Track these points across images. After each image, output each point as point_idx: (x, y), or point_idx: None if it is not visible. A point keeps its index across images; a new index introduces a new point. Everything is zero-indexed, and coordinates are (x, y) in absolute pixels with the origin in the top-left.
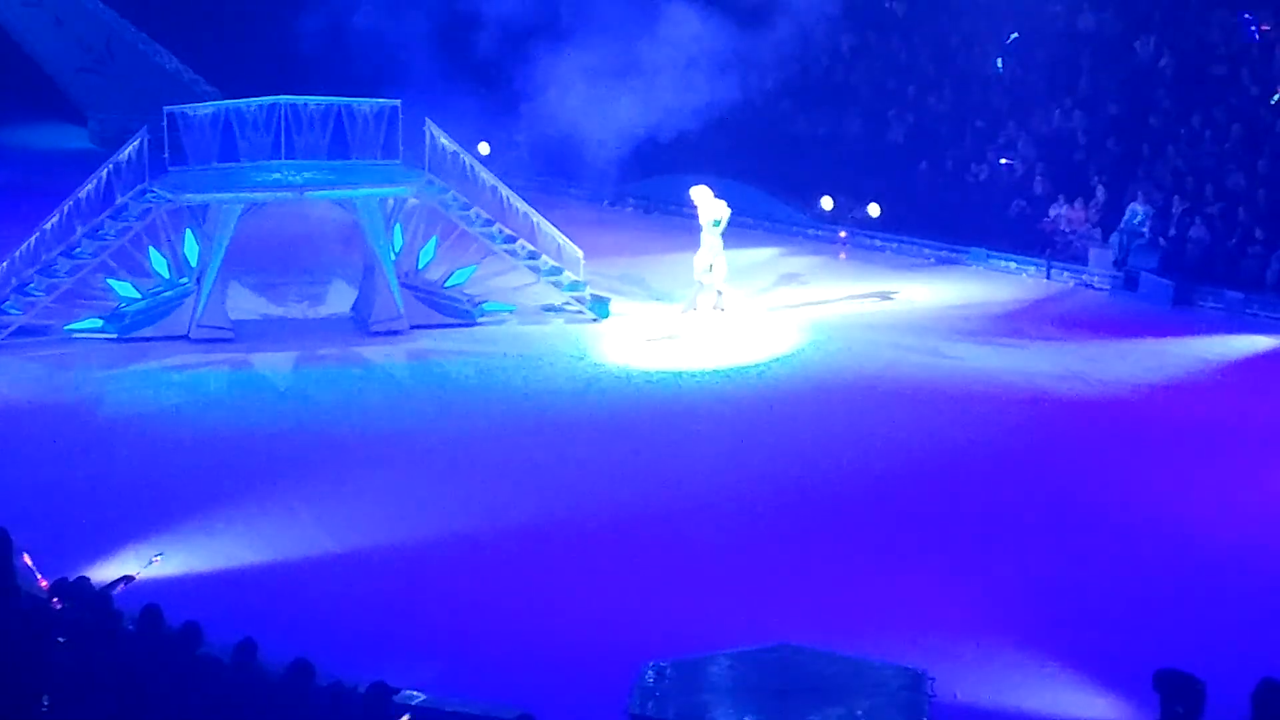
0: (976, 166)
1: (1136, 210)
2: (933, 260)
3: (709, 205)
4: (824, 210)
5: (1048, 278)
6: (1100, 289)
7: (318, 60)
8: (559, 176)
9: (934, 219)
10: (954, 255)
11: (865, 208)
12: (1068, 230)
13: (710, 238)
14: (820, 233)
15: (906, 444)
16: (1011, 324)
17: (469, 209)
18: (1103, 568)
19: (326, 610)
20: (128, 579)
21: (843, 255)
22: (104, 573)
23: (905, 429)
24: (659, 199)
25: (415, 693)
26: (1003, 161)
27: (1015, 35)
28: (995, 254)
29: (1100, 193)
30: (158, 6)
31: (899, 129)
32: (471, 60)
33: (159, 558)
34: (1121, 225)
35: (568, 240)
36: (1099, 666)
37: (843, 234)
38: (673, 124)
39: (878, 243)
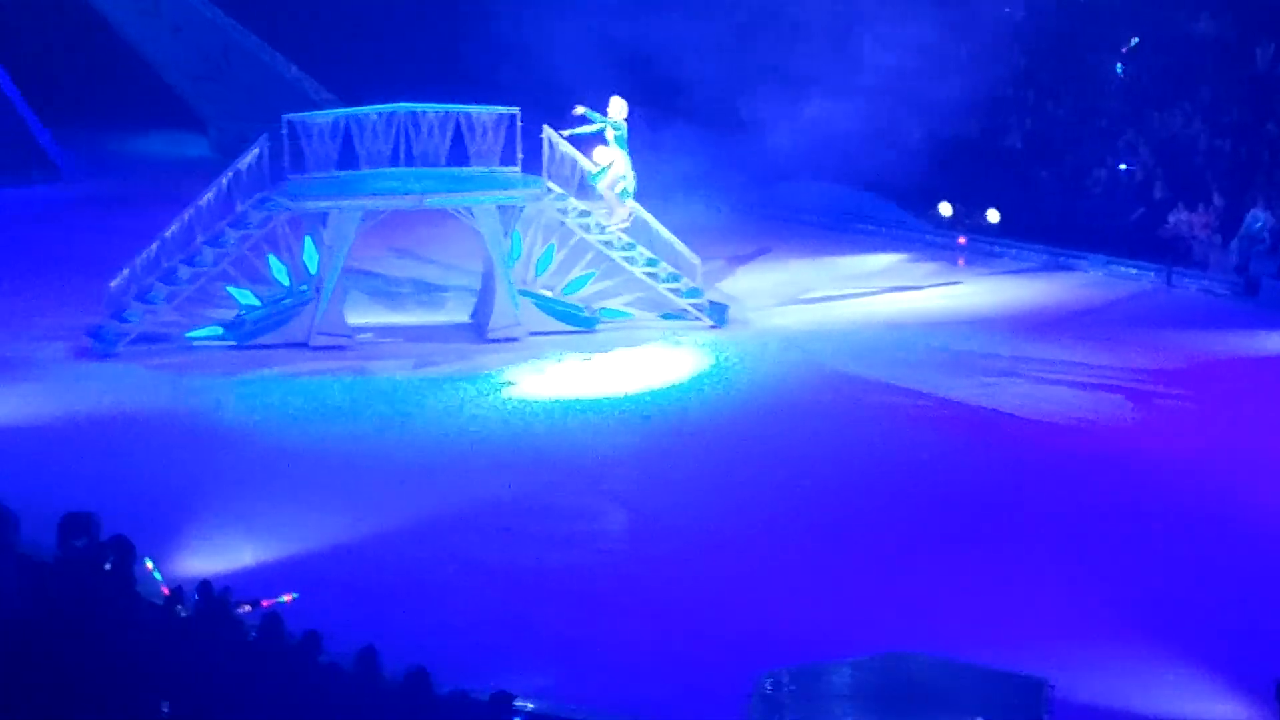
0: (1096, 172)
1: (1258, 216)
2: (1046, 266)
3: (618, 117)
4: (943, 216)
5: (1168, 284)
6: (1221, 295)
7: (435, 67)
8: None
9: (1053, 225)
10: (1072, 261)
11: (984, 214)
12: (1188, 236)
13: (611, 148)
14: (940, 239)
15: (1013, 447)
16: (1127, 327)
17: (587, 216)
18: (1225, 574)
19: (441, 618)
20: (255, 603)
21: (961, 261)
22: (223, 578)
23: (1019, 433)
24: (776, 206)
25: (529, 702)
26: (1122, 167)
27: (1135, 40)
28: (1115, 260)
29: (1219, 199)
30: (276, 14)
31: (1018, 134)
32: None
33: (293, 597)
34: (1242, 231)
35: (685, 247)
36: (1219, 674)
37: (962, 240)
38: (790, 131)
39: (997, 249)
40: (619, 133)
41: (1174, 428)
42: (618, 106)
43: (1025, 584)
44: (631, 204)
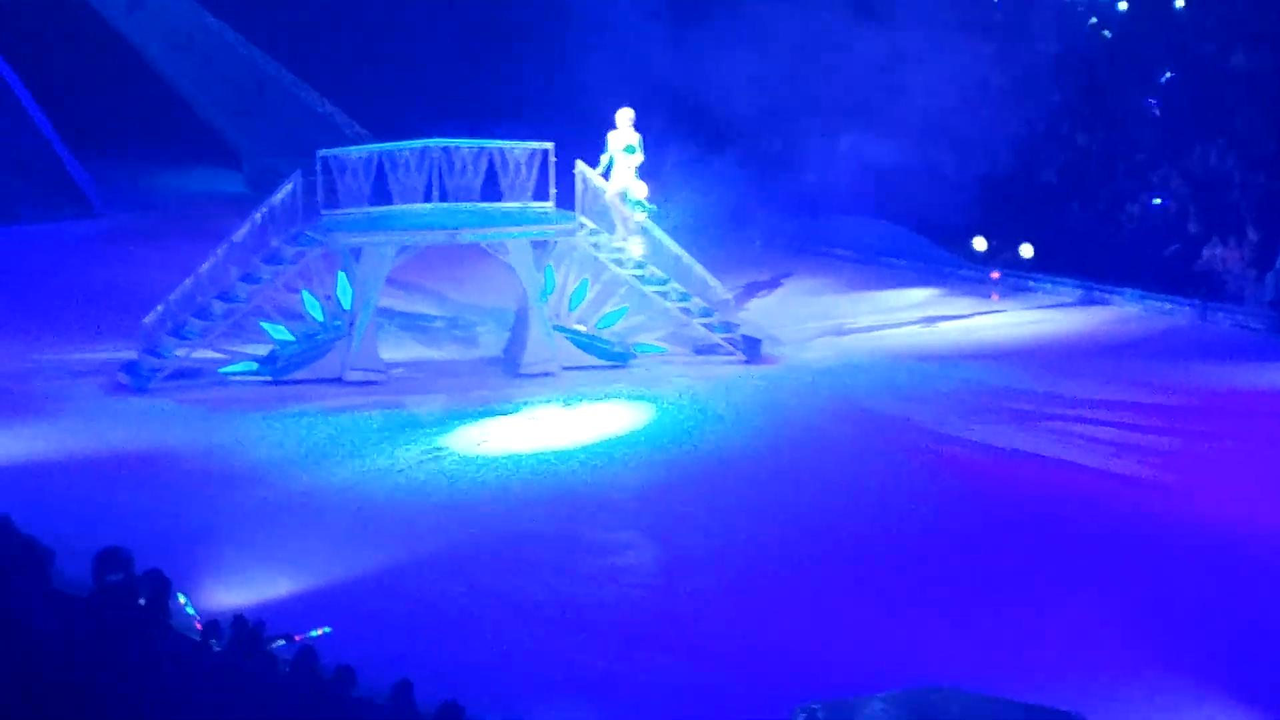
0: (1130, 206)
1: None
2: (1081, 300)
3: (626, 133)
4: (977, 251)
5: (1203, 319)
6: (1255, 330)
7: (469, 102)
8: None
9: (1087, 259)
10: (1107, 295)
11: (1018, 248)
12: (1222, 270)
13: (623, 164)
14: (973, 273)
15: (1046, 487)
16: (1162, 363)
17: (620, 251)
18: (1259, 612)
19: (473, 652)
20: (289, 637)
21: (995, 296)
22: (255, 611)
23: (1052, 475)
24: (809, 240)
25: None
26: (1156, 201)
27: (1169, 74)
28: (1149, 295)
29: (1254, 233)
30: (310, 49)
31: (1051, 169)
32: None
33: (325, 631)
34: (1277, 265)
35: (718, 282)
36: (1250, 708)
37: (995, 275)
38: (824, 165)
39: (1031, 283)
40: (630, 149)
41: (1209, 466)
42: (626, 117)
43: (1056, 619)
44: (643, 230)
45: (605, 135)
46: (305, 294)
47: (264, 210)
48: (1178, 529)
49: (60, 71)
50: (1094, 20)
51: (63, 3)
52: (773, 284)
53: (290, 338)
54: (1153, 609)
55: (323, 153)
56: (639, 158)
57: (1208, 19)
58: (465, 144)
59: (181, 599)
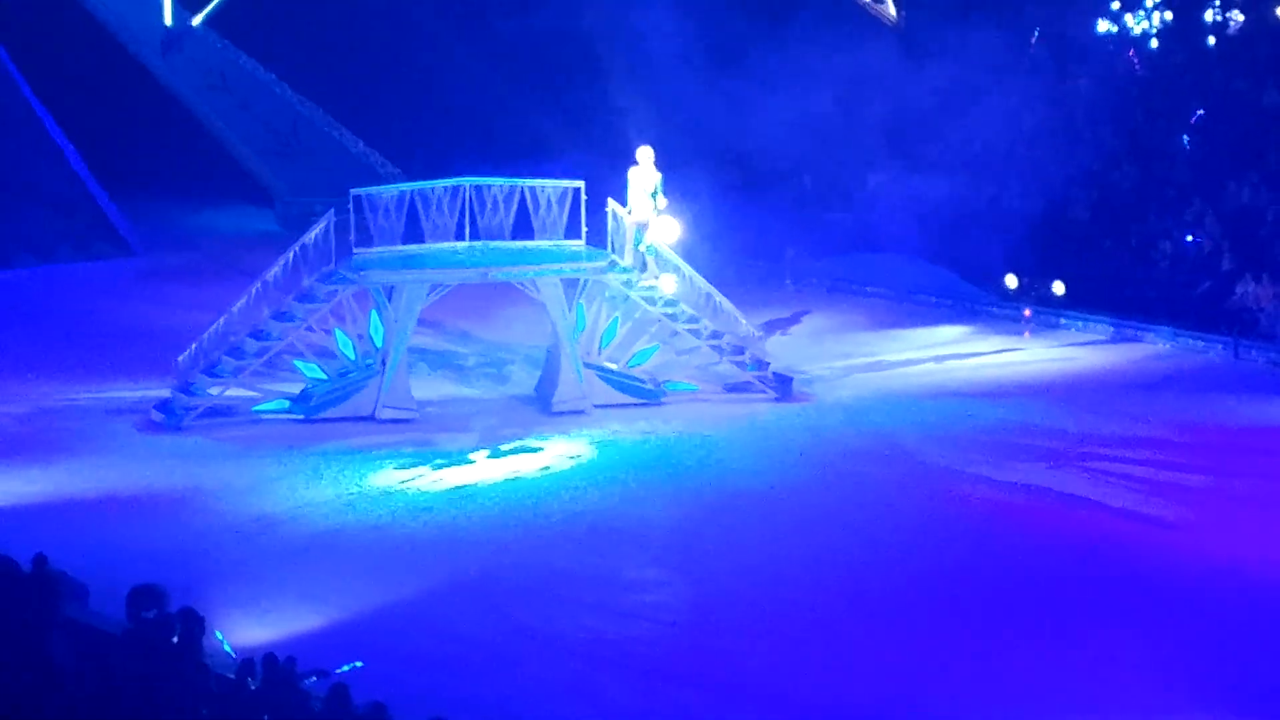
0: (1162, 243)
1: None
2: (1113, 338)
3: (648, 171)
4: (1009, 288)
5: (1235, 356)
6: None
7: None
8: (737, 255)
9: (1119, 296)
10: (1139, 333)
11: (1050, 285)
12: (1255, 308)
13: (643, 204)
14: (1005, 311)
15: (1081, 531)
16: (1195, 401)
17: (652, 289)
18: None
19: (506, 688)
20: (322, 673)
21: (1027, 333)
22: (286, 646)
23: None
24: (841, 278)
25: None
26: (1189, 239)
27: (1201, 112)
28: (1182, 332)
29: None
30: (343, 89)
31: (1083, 206)
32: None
33: (358, 665)
34: None
35: (746, 321)
36: None
37: (1027, 312)
38: (856, 204)
39: (1063, 320)
40: (653, 194)
41: (1243, 507)
42: (647, 155)
43: (1089, 664)
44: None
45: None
46: (338, 332)
47: (297, 249)
48: (1212, 573)
49: (97, 113)
50: (1132, 55)
51: (99, 45)
52: (804, 321)
53: (323, 376)
54: (1187, 654)
55: (355, 191)
56: (662, 202)
57: (1239, 57)
58: (497, 182)
59: (218, 636)
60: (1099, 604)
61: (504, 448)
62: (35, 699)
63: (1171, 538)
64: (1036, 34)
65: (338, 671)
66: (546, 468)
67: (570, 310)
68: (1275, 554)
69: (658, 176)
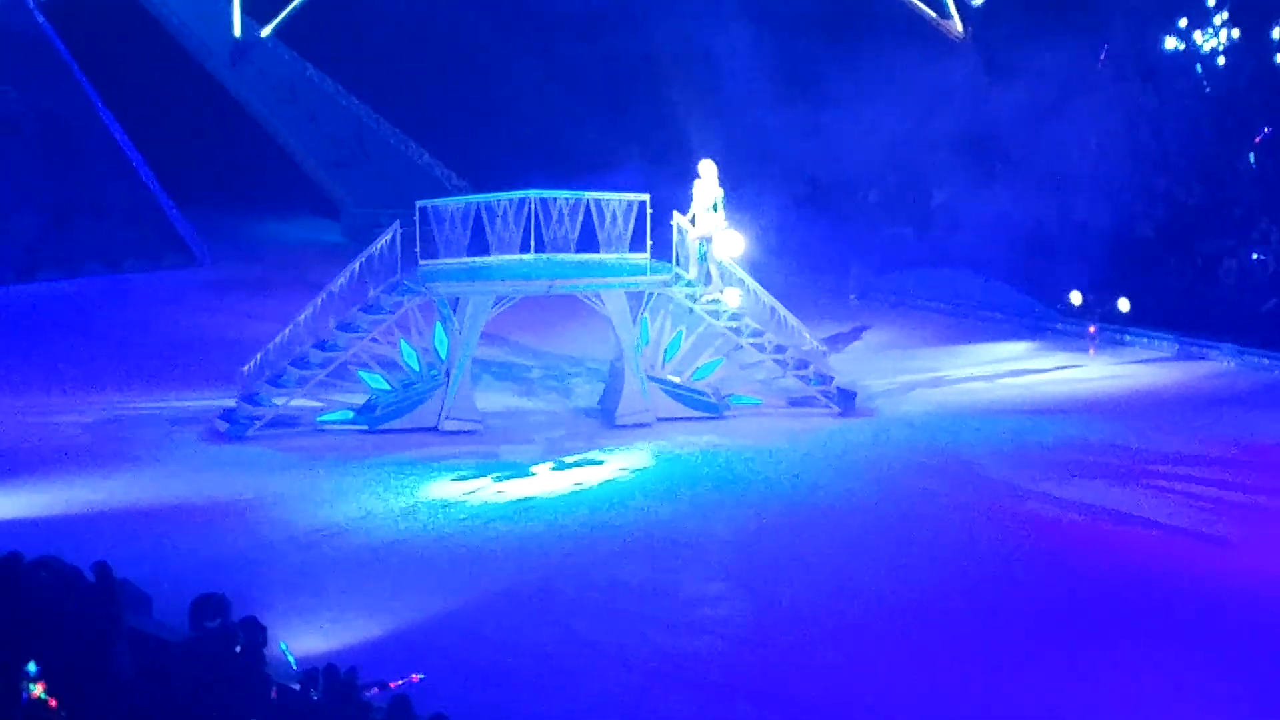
0: (1228, 261)
1: None
2: (1178, 355)
3: (710, 185)
4: (1073, 305)
5: None
6: None
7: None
8: (802, 270)
9: (1184, 313)
10: (1204, 350)
11: (1115, 302)
12: None
13: (706, 218)
14: (1070, 327)
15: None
16: (1259, 420)
17: (716, 303)
18: None
19: (567, 702)
20: (383, 685)
21: (1092, 350)
22: (347, 656)
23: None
24: (905, 293)
25: None
26: (1255, 256)
27: (1267, 129)
28: (1247, 350)
29: None
30: (409, 101)
31: (1149, 223)
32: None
33: (419, 677)
34: None
35: (810, 335)
36: None
37: (1092, 329)
38: (919, 217)
39: (1127, 338)
40: (714, 207)
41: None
42: (709, 169)
43: (1152, 684)
44: (739, 281)
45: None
46: (403, 344)
47: (362, 260)
48: (1273, 591)
49: (165, 123)
50: (1199, 71)
51: (169, 55)
52: (866, 337)
53: (387, 387)
54: (1244, 672)
55: (421, 203)
56: (721, 218)
57: None
58: (562, 195)
59: (282, 647)
60: (1158, 622)
61: (567, 460)
62: (98, 708)
63: (1232, 556)
64: (1105, 50)
65: (398, 684)
66: (609, 480)
67: (635, 324)
68: None
69: (719, 191)
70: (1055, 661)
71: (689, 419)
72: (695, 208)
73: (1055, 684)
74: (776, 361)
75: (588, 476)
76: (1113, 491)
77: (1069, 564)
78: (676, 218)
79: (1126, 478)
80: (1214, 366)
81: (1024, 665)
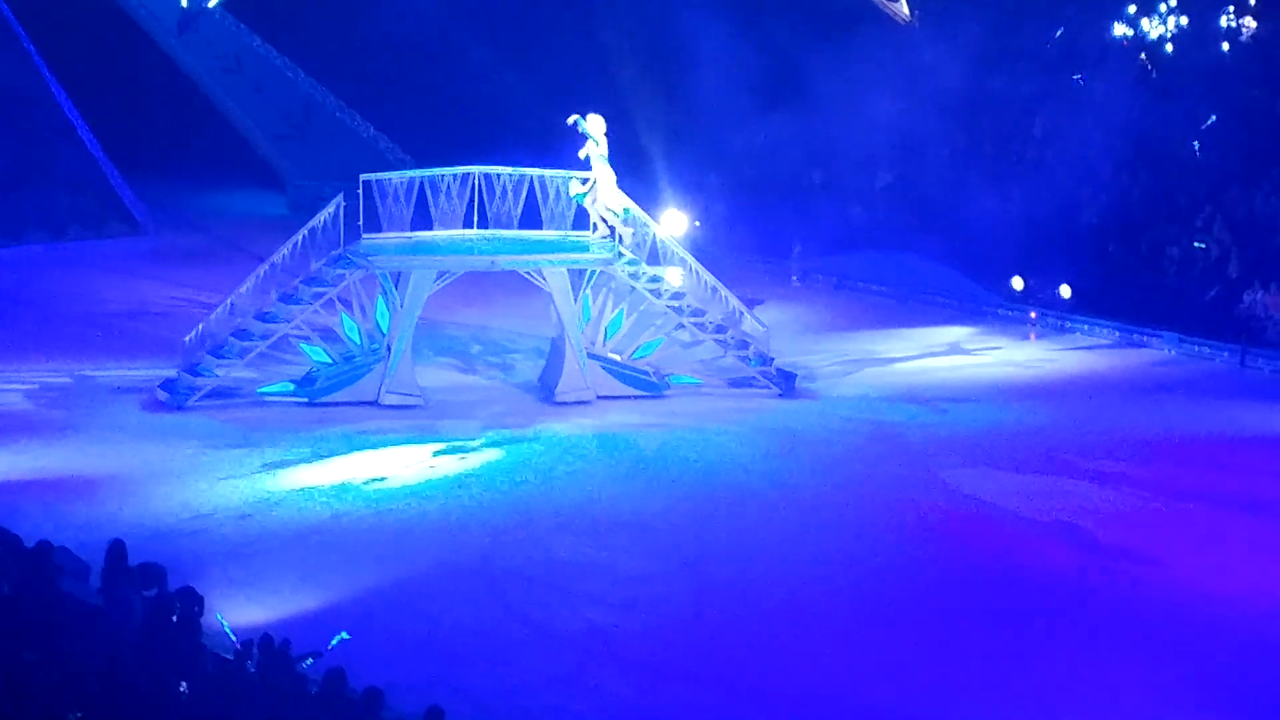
0: (1170, 249)
1: None
2: (1119, 343)
3: (599, 136)
4: (1015, 290)
5: (1242, 365)
6: None
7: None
8: (745, 251)
9: (1126, 301)
10: (1145, 338)
11: (1057, 289)
12: (1263, 316)
13: (603, 170)
14: (1011, 313)
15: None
16: (1201, 409)
17: (658, 281)
18: None
19: (504, 677)
20: (316, 654)
21: (1033, 336)
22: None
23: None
24: (846, 276)
25: None
26: (1198, 245)
27: (1213, 118)
28: (1188, 339)
29: None
30: (355, 75)
31: (1092, 210)
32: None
33: (345, 637)
34: None
35: (751, 315)
36: None
37: (1033, 315)
38: (861, 201)
39: (1069, 324)
40: (601, 150)
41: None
42: (596, 122)
43: (1076, 666)
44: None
45: (606, 157)
46: (344, 317)
47: (305, 233)
48: (1196, 589)
49: (111, 93)
50: (1143, 58)
51: (115, 25)
52: (809, 319)
53: (328, 359)
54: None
55: (365, 177)
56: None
57: (1253, 64)
58: (506, 171)
59: (219, 618)
60: (1088, 608)
61: (506, 436)
62: (36, 673)
63: (1161, 545)
64: (1060, 34)
65: (329, 647)
66: (548, 457)
67: (576, 301)
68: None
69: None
70: (975, 641)
71: (629, 397)
72: (596, 169)
73: (976, 661)
74: (717, 341)
75: (527, 453)
76: (1048, 476)
77: (1002, 546)
78: (574, 186)
79: (1062, 462)
80: (1154, 354)
81: (950, 646)
